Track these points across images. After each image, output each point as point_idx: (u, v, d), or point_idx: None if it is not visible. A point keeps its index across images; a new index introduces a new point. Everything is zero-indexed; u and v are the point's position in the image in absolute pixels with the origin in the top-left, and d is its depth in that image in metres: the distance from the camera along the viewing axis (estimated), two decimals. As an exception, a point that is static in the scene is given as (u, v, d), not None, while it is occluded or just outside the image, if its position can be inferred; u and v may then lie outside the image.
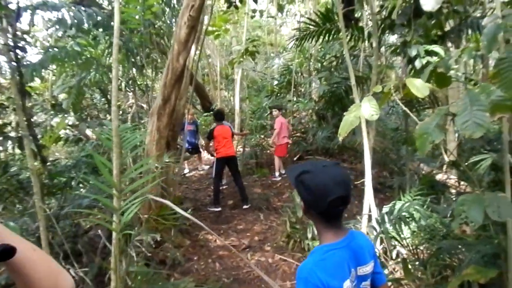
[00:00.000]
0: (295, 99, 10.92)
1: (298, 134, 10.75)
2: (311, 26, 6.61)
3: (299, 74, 11.28)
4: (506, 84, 2.45)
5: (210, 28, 8.95)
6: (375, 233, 3.94)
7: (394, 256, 4.16)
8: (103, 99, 10.50)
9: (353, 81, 4.73)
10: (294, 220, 5.27)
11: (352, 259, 1.53)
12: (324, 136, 9.23)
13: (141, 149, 4.23)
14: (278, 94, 11.13)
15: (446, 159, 6.33)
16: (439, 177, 6.89)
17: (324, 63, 10.51)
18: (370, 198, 4.49)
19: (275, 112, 9.03)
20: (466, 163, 4.44)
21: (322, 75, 9.88)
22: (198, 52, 6.28)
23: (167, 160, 4.88)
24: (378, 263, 1.71)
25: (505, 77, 2.45)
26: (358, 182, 7.40)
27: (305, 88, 11.14)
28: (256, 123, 10.25)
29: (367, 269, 1.59)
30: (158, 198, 3.58)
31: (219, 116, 7.39)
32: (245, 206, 6.86)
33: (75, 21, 4.63)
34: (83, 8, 5.19)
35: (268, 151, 10.49)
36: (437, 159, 8.57)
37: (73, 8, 5.05)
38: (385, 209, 4.44)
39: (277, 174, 8.82)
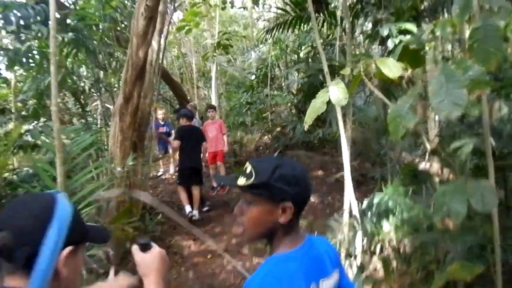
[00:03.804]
0: (273, 92, 10.65)
1: (278, 129, 10.48)
2: (281, 15, 6.34)
3: (276, 66, 11.01)
4: (483, 57, 2.18)
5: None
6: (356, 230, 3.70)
7: (378, 251, 3.91)
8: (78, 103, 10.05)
9: (325, 69, 4.45)
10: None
11: (311, 271, 1.25)
12: (303, 129, 8.97)
13: (91, 151, 3.84)
14: (255, 88, 10.84)
15: (428, 147, 6.14)
16: (422, 165, 6.70)
17: (301, 54, 10.25)
18: (350, 193, 4.23)
19: (212, 113, 7.82)
20: (446, 150, 4.22)
21: (298, 67, 9.62)
22: (163, 45, 5.92)
23: (131, 163, 4.53)
24: (345, 274, 1.44)
25: (482, 49, 2.18)
26: (339, 175, 7.19)
27: (281, 80, 10.88)
28: (233, 120, 9.94)
29: (331, 282, 1.32)
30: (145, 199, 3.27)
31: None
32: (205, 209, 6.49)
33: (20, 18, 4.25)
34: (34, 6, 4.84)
35: (248, 148, 10.19)
36: (419, 148, 8.40)
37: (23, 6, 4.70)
38: (365, 202, 4.20)
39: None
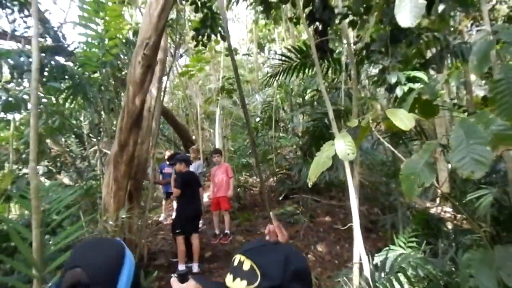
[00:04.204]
0: (278, 134, 10.51)
1: (283, 172, 10.21)
2: (285, 61, 6.29)
3: (281, 109, 10.94)
4: (506, 110, 1.97)
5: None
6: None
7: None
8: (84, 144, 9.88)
9: (331, 115, 4.27)
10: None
11: None
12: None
13: (73, 209, 3.57)
14: (260, 131, 10.71)
15: (439, 190, 5.82)
16: (434, 210, 6.35)
17: (306, 98, 10.17)
18: (360, 245, 3.92)
19: (218, 158, 7.55)
20: (464, 201, 3.94)
21: (303, 110, 9.49)
22: (168, 89, 5.83)
23: (125, 215, 4.26)
24: None
25: (505, 102, 1.97)
26: (346, 226, 6.80)
27: (286, 123, 10.77)
28: (237, 162, 9.71)
29: None
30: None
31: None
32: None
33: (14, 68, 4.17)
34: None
35: (252, 191, 9.89)
36: (429, 190, 8.03)
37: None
38: (377, 258, 3.88)
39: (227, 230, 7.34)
